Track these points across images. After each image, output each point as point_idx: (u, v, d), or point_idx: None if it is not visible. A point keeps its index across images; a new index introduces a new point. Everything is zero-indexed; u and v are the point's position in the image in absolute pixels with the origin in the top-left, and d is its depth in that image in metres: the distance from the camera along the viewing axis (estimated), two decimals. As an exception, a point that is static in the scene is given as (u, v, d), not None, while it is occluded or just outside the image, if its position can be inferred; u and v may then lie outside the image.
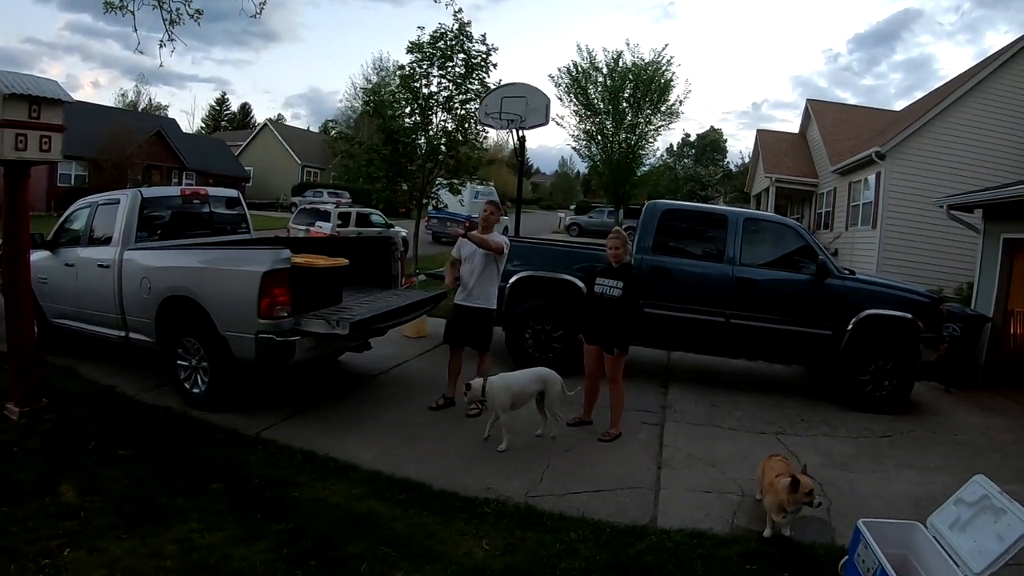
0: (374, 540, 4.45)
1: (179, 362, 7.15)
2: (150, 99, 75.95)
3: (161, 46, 6.77)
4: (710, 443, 6.74)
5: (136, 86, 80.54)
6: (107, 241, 7.92)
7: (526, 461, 5.99)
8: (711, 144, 75.40)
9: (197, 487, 5.11)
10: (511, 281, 8.79)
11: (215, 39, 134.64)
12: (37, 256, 8.28)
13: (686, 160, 73.10)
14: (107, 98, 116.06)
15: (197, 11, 6.82)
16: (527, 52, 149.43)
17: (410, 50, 17.23)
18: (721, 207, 11.92)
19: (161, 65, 20.60)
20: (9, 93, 6.08)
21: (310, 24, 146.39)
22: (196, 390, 7.04)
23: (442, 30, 16.97)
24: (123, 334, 7.74)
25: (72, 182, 36.59)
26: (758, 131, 35.30)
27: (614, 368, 6.63)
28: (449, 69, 17.16)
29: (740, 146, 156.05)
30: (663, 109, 30.60)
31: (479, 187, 26.74)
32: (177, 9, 6.69)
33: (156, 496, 4.93)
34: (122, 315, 7.65)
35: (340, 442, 6.23)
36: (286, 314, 6.36)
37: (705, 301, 8.46)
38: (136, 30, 6.97)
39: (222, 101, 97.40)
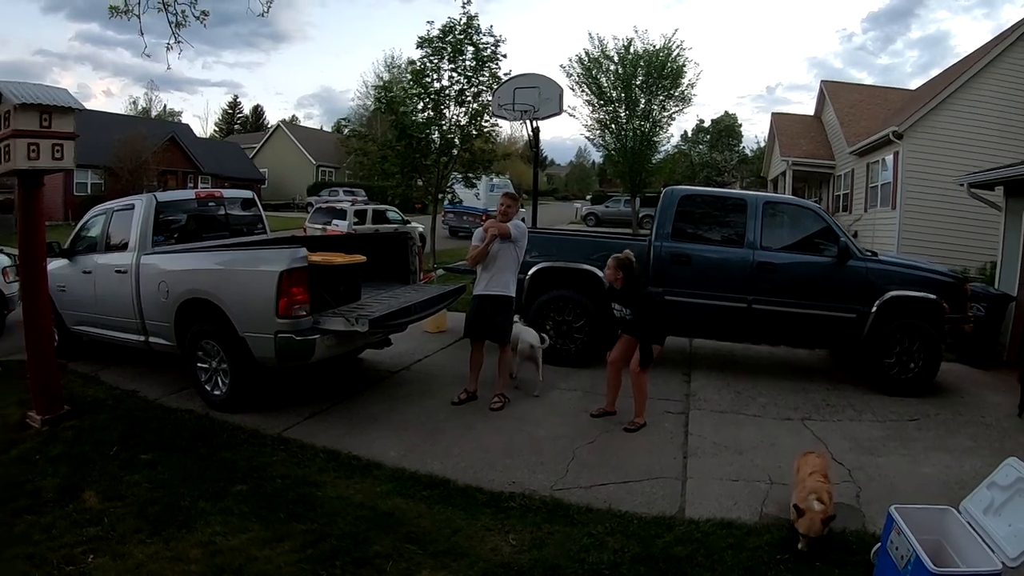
0: (399, 538, 4.41)
1: (199, 365, 7.15)
2: (164, 105, 76.63)
3: (168, 49, 6.77)
4: (736, 430, 6.65)
5: (147, 93, 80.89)
6: (124, 247, 7.93)
7: (551, 454, 5.94)
8: (726, 129, 74.88)
9: (220, 489, 5.10)
10: (530, 272, 8.71)
11: (225, 42, 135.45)
12: (55, 264, 8.33)
13: (701, 146, 72.68)
14: (119, 106, 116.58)
15: (203, 12, 6.82)
16: (538, 43, 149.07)
17: (420, 45, 17.22)
18: (740, 191, 11.79)
19: (168, 68, 20.70)
20: (20, 103, 6.11)
21: (319, 23, 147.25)
22: (217, 392, 7.04)
23: (450, 24, 16.93)
24: (143, 339, 7.75)
25: (88, 191, 36.94)
26: (773, 114, 35.03)
27: (639, 358, 6.56)
28: (460, 63, 17.12)
29: (755, 130, 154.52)
30: (676, 94, 30.40)
31: (494, 180, 26.70)
32: (183, 11, 6.66)
33: (179, 499, 4.93)
34: (141, 320, 7.66)
35: (363, 440, 6.20)
36: (305, 313, 6.35)
37: (726, 287, 8.34)
38: (143, 34, 6.96)
39: (234, 104, 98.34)
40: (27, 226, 6.69)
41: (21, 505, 4.94)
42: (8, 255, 11.76)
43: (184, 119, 74.10)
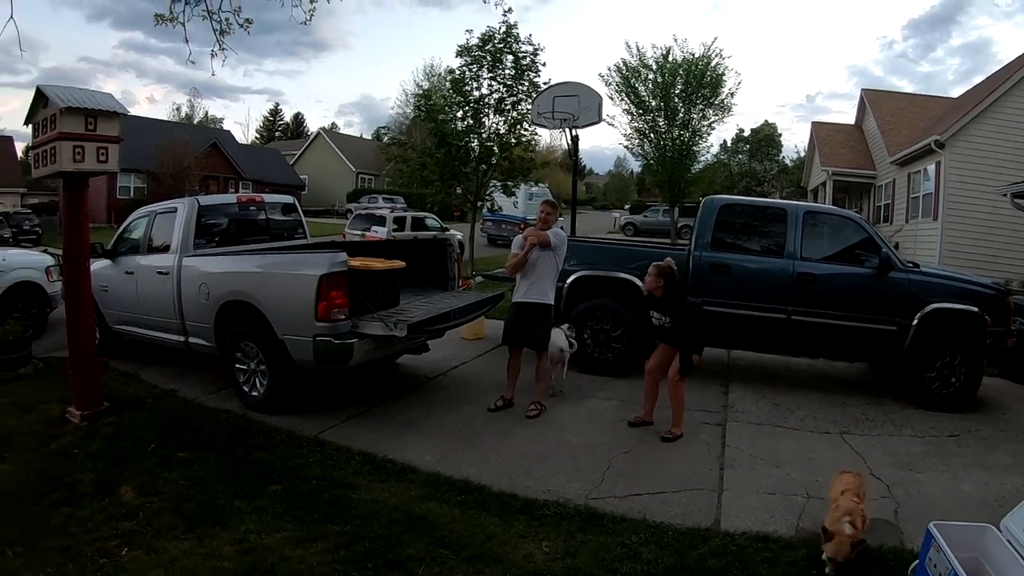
0: (433, 542, 4.41)
1: (238, 366, 7.22)
2: (206, 112, 78.05)
3: (213, 56, 6.86)
4: (773, 443, 6.56)
5: (190, 99, 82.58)
6: (166, 249, 8.05)
7: (587, 462, 5.90)
8: (765, 139, 73.98)
9: (256, 489, 5.14)
10: (569, 281, 8.68)
11: (266, 51, 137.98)
12: (98, 265, 8.48)
13: (740, 156, 71.95)
14: (162, 112, 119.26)
15: (247, 20, 6.88)
16: (576, 51, 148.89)
17: (459, 53, 17.28)
18: (780, 201, 11.65)
19: (213, 74, 21.24)
20: (65, 107, 6.25)
21: (359, 32, 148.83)
22: (255, 393, 7.11)
23: (490, 32, 16.98)
24: (183, 339, 7.85)
25: (131, 194, 37.80)
26: (813, 123, 34.69)
27: (677, 367, 6.49)
28: (499, 71, 17.16)
29: (795, 140, 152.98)
30: (715, 103, 30.13)
31: (533, 188, 26.71)
32: (227, 19, 6.74)
33: (215, 497, 4.98)
34: (182, 321, 7.77)
35: (399, 444, 6.21)
36: (343, 317, 6.36)
37: (765, 298, 8.24)
38: (187, 42, 7.05)
39: (275, 112, 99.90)
40: (71, 227, 6.83)
41: (59, 498, 5.02)
42: (52, 255, 12.04)
43: (225, 126, 75.91)
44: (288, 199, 9.76)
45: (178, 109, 78.57)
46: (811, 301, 8.12)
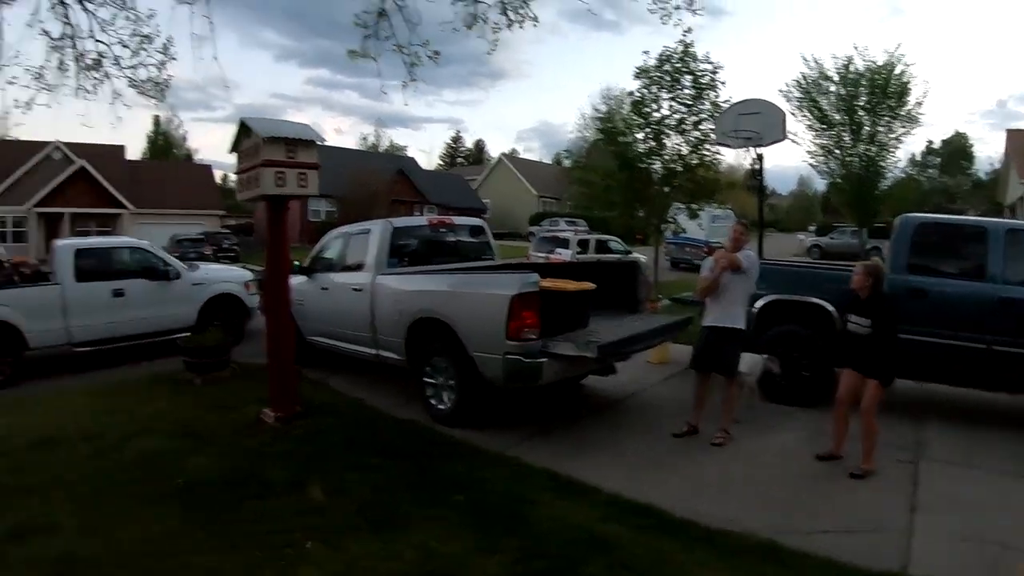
0: (612, 563, 4.40)
1: (426, 380, 7.50)
2: (390, 141, 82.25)
3: (404, 86, 7.25)
4: (968, 486, 6.07)
5: (375, 130, 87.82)
6: (360, 267, 8.52)
7: (771, 495, 5.72)
8: (957, 151, 69.42)
9: (438, 498, 5.32)
10: (758, 305, 8.37)
11: (445, 82, 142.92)
12: (295, 280, 9.04)
13: (931, 170, 67.72)
14: (349, 142, 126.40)
15: (435, 52, 7.23)
16: (752, 67, 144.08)
17: (637, 76, 17.32)
18: (980, 219, 10.81)
19: (406, 104, 22.39)
20: (268, 136, 6.85)
21: (534, 60, 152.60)
22: (441, 407, 7.35)
23: (667, 53, 16.88)
24: (374, 352, 8.25)
25: (322, 217, 40.80)
26: (1008, 131, 32.13)
27: (870, 398, 6.16)
28: (678, 91, 17.02)
29: (988, 150, 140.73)
30: (902, 114, 28.46)
31: (716, 211, 26.19)
32: (416, 52, 7.12)
33: (399, 503, 5.21)
34: (374, 335, 8.16)
35: (582, 464, 6.23)
36: (534, 337, 6.43)
37: (963, 325, 7.61)
38: (379, 75, 7.52)
39: (457, 139, 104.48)
40: (273, 245, 7.44)
41: (251, 491, 5.46)
42: (251, 271, 13.09)
43: (409, 153, 79.83)
44: (477, 221, 10.11)
45: (365, 138, 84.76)
46: (1014, 330, 7.47)
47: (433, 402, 7.43)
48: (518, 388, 6.97)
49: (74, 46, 6.96)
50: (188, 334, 10.14)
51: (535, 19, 7.04)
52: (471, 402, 7.09)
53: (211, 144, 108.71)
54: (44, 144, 40.66)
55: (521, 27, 7.03)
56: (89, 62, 7.08)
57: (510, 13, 6.96)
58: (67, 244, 11.63)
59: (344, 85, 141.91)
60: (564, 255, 20.47)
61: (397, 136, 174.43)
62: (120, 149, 45.04)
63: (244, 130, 7.39)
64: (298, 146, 7.04)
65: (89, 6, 6.83)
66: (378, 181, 41.35)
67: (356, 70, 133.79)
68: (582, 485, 5.73)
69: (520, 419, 7.54)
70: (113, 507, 5.29)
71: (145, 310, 11.35)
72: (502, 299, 6.41)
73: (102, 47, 7.06)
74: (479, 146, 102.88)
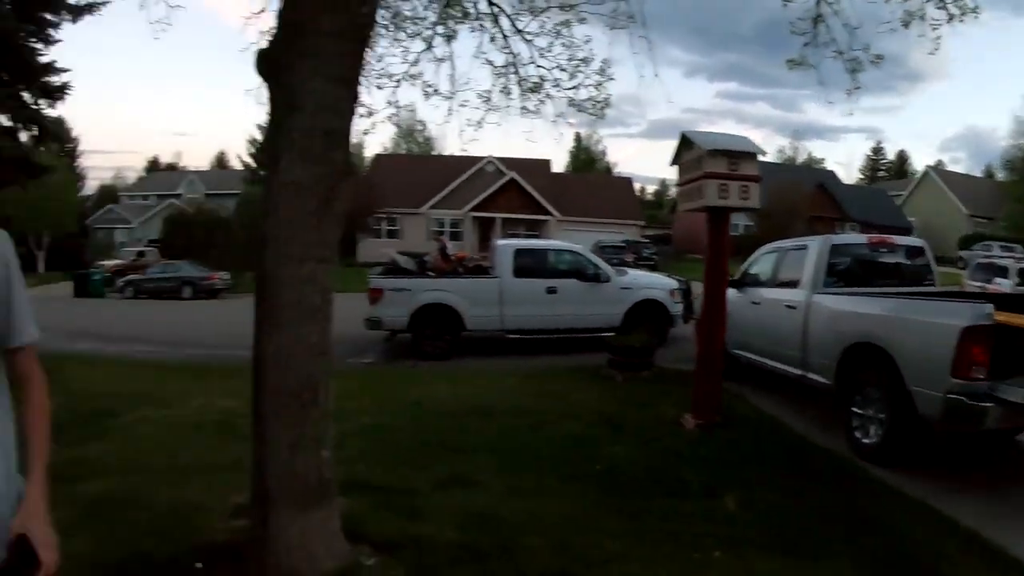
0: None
1: (854, 409, 7.04)
2: (808, 153, 79.09)
3: (848, 94, 7.08)
4: None
5: (790, 142, 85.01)
6: (795, 284, 8.39)
7: None
8: None
9: (850, 534, 5.01)
10: None
11: (863, 88, 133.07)
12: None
13: None
14: (765, 155, 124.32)
15: (877, 56, 6.93)
16: None
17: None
18: None
19: (851, 114, 21.08)
20: (710, 149, 7.08)
21: (955, 57, 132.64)
22: (866, 440, 6.83)
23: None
24: (800, 372, 8.07)
25: (740, 230, 40.41)
26: None
27: None
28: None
29: None
30: None
31: None
32: (856, 57, 6.89)
33: (809, 530, 4.99)
34: (804, 355, 7.96)
35: (1008, 530, 5.29)
36: (982, 376, 5.65)
37: None
38: (822, 83, 7.36)
39: (877, 150, 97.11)
40: (713, 256, 7.64)
41: (666, 489, 5.68)
42: (677, 280, 13.66)
43: (827, 165, 76.44)
44: (918, 242, 9.34)
45: (782, 151, 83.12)
46: None
47: (858, 435, 6.93)
48: (955, 431, 6.33)
49: (516, 72, 8.01)
50: (613, 334, 10.91)
51: (975, 10, 6.34)
52: (900, 440, 6.47)
53: (627, 157, 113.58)
54: (478, 159, 47.32)
55: (962, 21, 6.38)
56: (531, 85, 8.07)
57: (949, 6, 6.38)
58: (508, 244, 13.46)
59: (755, 96, 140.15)
60: (1003, 285, 17.94)
61: (813, 148, 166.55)
62: (546, 163, 50.97)
63: (685, 143, 7.73)
64: (740, 158, 7.18)
65: (528, 36, 7.78)
66: (797, 195, 40.59)
67: (765, 81, 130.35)
68: (1005, 555, 4.89)
69: (938, 464, 6.79)
70: (536, 477, 5.89)
71: (574, 308, 12.61)
72: (950, 330, 5.72)
73: (542, 71, 8.00)
74: (901, 157, 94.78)
